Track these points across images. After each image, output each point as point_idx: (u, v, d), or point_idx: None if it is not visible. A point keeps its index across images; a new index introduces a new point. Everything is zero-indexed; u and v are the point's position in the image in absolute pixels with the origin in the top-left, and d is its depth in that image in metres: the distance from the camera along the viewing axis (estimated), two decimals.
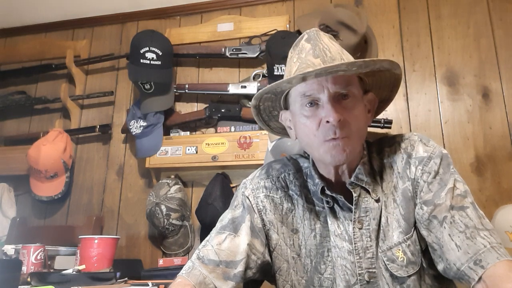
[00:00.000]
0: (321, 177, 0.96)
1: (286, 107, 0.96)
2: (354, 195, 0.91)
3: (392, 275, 0.87)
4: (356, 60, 0.80)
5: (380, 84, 0.94)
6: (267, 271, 0.98)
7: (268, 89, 0.89)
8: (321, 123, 0.85)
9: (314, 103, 0.86)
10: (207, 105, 2.06)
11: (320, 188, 0.93)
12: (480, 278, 0.75)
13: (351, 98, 0.86)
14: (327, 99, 0.84)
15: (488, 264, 0.75)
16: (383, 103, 1.01)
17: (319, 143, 0.87)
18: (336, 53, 0.87)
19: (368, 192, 0.92)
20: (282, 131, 1.05)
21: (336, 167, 0.92)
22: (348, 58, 0.89)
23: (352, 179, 0.91)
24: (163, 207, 1.87)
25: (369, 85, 0.94)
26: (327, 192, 0.92)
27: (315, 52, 0.87)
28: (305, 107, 0.87)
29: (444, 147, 1.54)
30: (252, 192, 1.00)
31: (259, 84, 1.96)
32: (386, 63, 0.86)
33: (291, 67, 0.90)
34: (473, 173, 1.78)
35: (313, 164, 0.97)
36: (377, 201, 0.91)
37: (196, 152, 1.98)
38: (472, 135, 1.82)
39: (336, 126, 0.83)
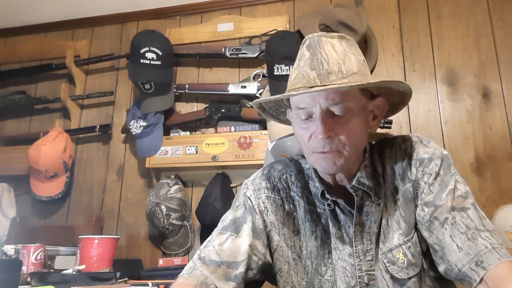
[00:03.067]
0: (322, 180, 0.96)
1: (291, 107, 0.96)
2: (356, 198, 0.90)
3: (392, 277, 0.87)
4: (341, 86, 0.79)
5: (389, 90, 0.92)
6: (268, 272, 0.98)
7: (260, 101, 0.91)
8: (312, 137, 0.86)
9: (308, 115, 0.86)
10: (207, 105, 2.06)
11: (320, 192, 0.93)
12: (481, 279, 0.75)
13: (345, 112, 0.84)
14: (319, 114, 0.84)
15: (489, 265, 0.75)
16: (398, 105, 0.98)
17: (309, 153, 0.89)
18: (335, 65, 0.83)
19: (369, 195, 0.91)
20: None
21: (332, 175, 0.93)
22: (349, 67, 0.83)
23: (353, 182, 0.90)
24: (163, 207, 1.87)
25: (377, 90, 0.91)
26: (327, 196, 0.92)
27: (312, 63, 0.84)
28: (300, 118, 0.88)
29: (444, 147, 1.53)
30: (254, 193, 1.00)
31: (259, 84, 1.96)
32: (381, 83, 0.84)
33: (291, 74, 0.89)
34: (473, 173, 1.78)
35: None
36: (378, 204, 0.91)
37: (196, 152, 1.98)
38: (472, 135, 1.82)
39: (325, 142, 0.84)
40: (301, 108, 0.86)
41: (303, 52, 0.88)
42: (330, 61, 0.83)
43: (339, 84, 0.80)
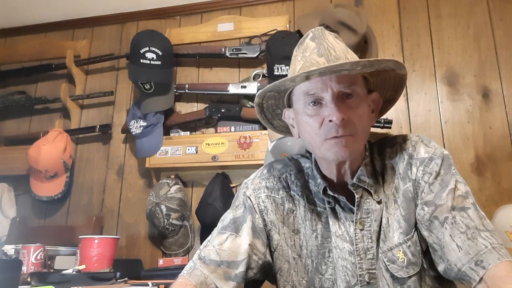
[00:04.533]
0: (323, 177, 0.95)
1: (289, 105, 0.96)
2: (356, 196, 0.90)
3: (392, 276, 0.87)
4: (361, 60, 0.79)
5: (384, 84, 0.94)
6: (268, 271, 0.98)
7: (271, 87, 0.88)
8: (324, 122, 0.85)
9: (317, 102, 0.86)
10: (207, 105, 2.06)
11: (322, 189, 0.93)
12: (481, 279, 0.75)
13: (355, 97, 0.86)
14: (331, 98, 0.84)
15: (489, 265, 0.75)
16: (387, 103, 1.00)
17: (320, 142, 0.87)
18: (341, 52, 0.86)
19: (370, 193, 0.91)
20: (285, 130, 1.05)
21: (339, 166, 0.92)
22: (353, 57, 0.88)
23: (354, 180, 0.91)
24: (163, 207, 1.87)
25: (373, 84, 0.94)
26: (329, 192, 0.92)
27: (320, 51, 0.86)
28: (308, 105, 0.87)
29: (444, 147, 1.53)
30: (254, 192, 0.99)
31: (259, 84, 1.96)
32: (391, 63, 0.85)
33: (295, 66, 0.89)
34: (473, 173, 1.78)
35: (315, 164, 0.97)
36: (379, 202, 0.91)
37: (196, 152, 1.98)
38: (472, 135, 1.82)
39: (339, 125, 0.83)
40: (311, 94, 0.86)
41: (307, 44, 0.89)
42: (337, 49, 0.87)
43: (350, 66, 0.80)
